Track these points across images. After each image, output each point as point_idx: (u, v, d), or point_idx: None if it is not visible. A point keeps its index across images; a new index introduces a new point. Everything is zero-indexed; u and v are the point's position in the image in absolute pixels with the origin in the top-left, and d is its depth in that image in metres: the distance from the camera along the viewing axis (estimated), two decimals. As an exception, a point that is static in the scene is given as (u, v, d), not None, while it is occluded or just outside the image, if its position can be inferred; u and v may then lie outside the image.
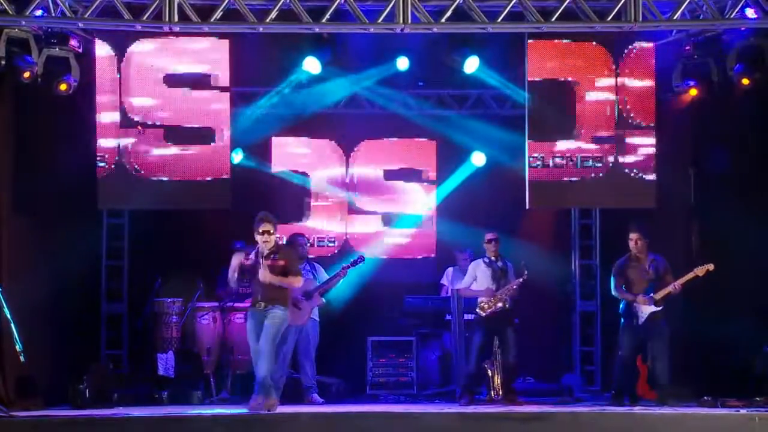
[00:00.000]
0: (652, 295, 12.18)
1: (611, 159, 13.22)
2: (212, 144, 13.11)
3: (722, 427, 10.65)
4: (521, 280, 12.52)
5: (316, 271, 13.21)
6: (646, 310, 12.21)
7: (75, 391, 12.08)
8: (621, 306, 12.41)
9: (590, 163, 13.24)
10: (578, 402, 12.96)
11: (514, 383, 12.73)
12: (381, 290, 14.45)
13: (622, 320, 12.38)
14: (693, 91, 13.13)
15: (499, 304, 12.53)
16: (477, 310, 12.63)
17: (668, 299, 12.23)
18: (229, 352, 13.26)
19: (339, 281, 13.19)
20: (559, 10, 11.56)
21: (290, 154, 15.00)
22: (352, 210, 14.99)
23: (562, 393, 13.41)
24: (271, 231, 11.51)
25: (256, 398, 11.35)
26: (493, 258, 12.68)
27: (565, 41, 13.11)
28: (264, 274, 11.41)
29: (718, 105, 13.07)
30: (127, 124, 13.05)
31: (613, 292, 12.47)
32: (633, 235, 12.38)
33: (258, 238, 11.52)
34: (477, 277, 12.71)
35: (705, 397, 11.87)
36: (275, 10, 11.46)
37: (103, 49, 12.93)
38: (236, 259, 11.50)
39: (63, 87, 12.62)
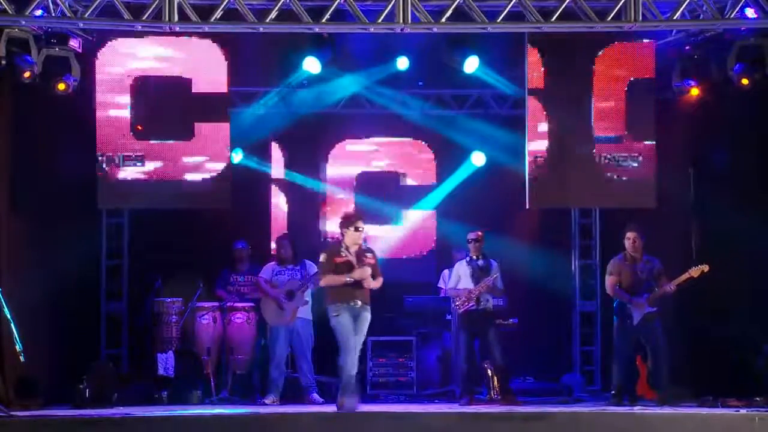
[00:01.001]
0: (646, 297, 12.19)
1: (611, 159, 13.21)
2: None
3: (722, 427, 10.64)
4: (490, 278, 12.53)
5: (306, 269, 13.14)
6: (640, 311, 12.22)
7: (75, 391, 12.08)
8: (615, 305, 12.42)
9: (590, 163, 13.23)
10: (578, 402, 12.97)
11: (510, 383, 12.73)
12: (381, 290, 14.40)
13: (615, 319, 12.40)
14: (695, 91, 13.13)
15: (472, 303, 12.52)
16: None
17: (663, 300, 12.24)
18: (229, 352, 13.26)
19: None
20: (559, 10, 11.56)
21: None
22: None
23: (562, 393, 13.41)
24: (363, 227, 11.57)
25: (353, 396, 11.36)
26: (474, 257, 12.69)
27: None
28: (371, 283, 11.49)
29: (718, 105, 13.07)
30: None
31: (608, 291, 12.49)
32: (630, 234, 12.39)
33: (353, 235, 11.48)
34: (460, 277, 12.74)
35: (705, 397, 11.88)
36: (275, 10, 11.45)
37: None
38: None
39: (61, 87, 12.60)
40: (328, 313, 11.52)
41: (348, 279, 11.41)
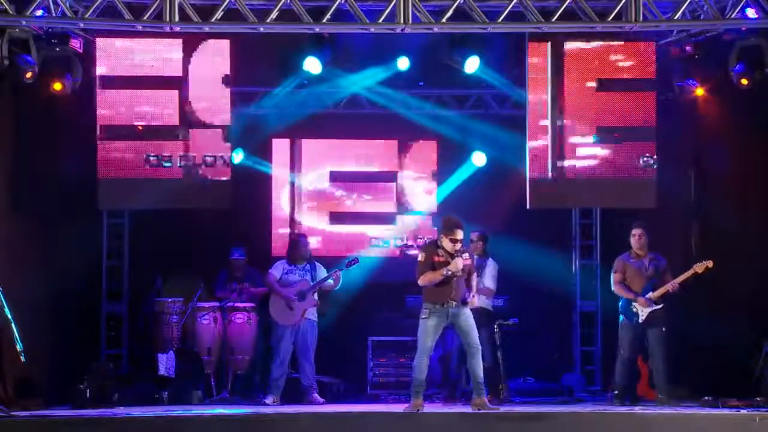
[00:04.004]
0: (650, 294, 12.19)
1: (610, 159, 13.21)
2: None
3: (722, 427, 10.65)
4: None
5: (316, 271, 13.16)
6: (645, 309, 12.23)
7: (75, 391, 12.08)
8: (620, 303, 12.43)
9: (590, 163, 13.23)
10: (578, 402, 12.99)
11: (506, 382, 12.76)
12: (381, 290, 14.45)
13: (621, 317, 12.40)
14: (699, 91, 13.15)
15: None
16: None
17: (667, 297, 12.24)
18: (229, 352, 13.27)
19: (334, 283, 13.15)
20: (560, 10, 11.57)
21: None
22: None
23: (562, 393, 13.41)
24: (461, 238, 11.53)
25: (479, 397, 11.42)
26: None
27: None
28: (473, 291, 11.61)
29: (718, 105, 13.09)
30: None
31: (613, 288, 12.48)
32: (636, 231, 12.38)
33: (448, 244, 11.45)
34: None
35: (705, 397, 11.88)
36: (276, 10, 11.47)
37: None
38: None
39: (57, 86, 12.59)
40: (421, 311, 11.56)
41: (446, 272, 11.36)
